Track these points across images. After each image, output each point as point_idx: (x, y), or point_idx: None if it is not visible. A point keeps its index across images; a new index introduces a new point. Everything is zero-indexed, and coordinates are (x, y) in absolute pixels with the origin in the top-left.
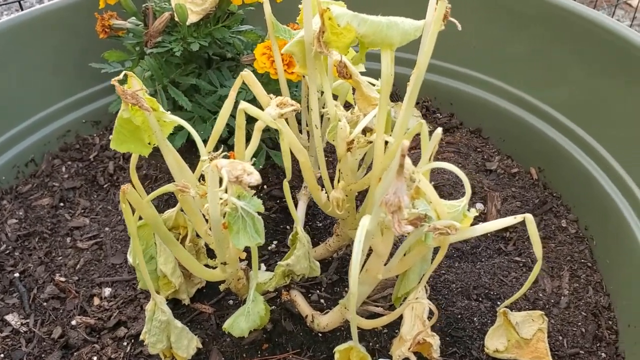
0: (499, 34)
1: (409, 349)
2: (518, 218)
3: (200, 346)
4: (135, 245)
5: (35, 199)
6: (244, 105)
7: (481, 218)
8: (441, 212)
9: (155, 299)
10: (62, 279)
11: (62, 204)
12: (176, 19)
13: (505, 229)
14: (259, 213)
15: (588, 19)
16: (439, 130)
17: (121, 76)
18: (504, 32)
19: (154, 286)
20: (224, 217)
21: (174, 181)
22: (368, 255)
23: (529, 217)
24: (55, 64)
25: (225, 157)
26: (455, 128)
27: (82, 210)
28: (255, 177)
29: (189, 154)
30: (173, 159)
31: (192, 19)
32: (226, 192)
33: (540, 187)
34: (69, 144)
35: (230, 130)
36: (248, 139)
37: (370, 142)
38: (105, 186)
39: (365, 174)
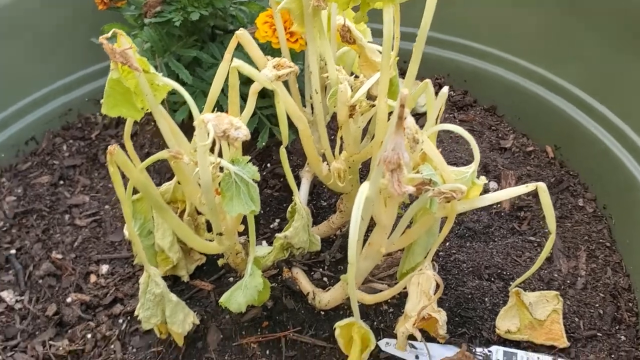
0: (513, 7)
1: (414, 324)
2: (530, 187)
3: (197, 322)
4: (126, 212)
5: (34, 176)
6: (237, 62)
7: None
8: (447, 178)
9: (149, 270)
10: (59, 256)
11: (61, 182)
12: None
13: (520, 208)
14: (254, 182)
15: None
16: (445, 89)
17: (110, 34)
18: (518, 5)
19: (152, 261)
20: (218, 184)
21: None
22: (372, 229)
23: (541, 186)
24: (56, 40)
25: None
26: (469, 106)
27: (82, 188)
28: (243, 132)
29: (192, 130)
30: (166, 126)
31: None
32: (220, 156)
33: (557, 165)
34: (70, 123)
35: None
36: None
37: (373, 105)
38: (106, 164)
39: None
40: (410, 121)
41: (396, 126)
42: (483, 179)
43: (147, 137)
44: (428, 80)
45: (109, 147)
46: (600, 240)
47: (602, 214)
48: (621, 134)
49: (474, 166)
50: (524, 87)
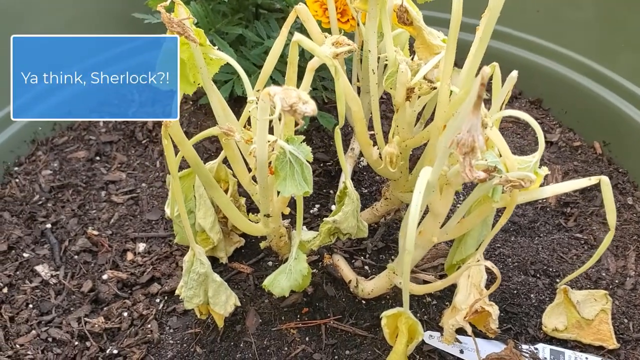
0: None
1: (465, 317)
2: (593, 180)
3: (239, 304)
4: (175, 187)
5: (71, 151)
6: (298, 37)
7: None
8: (511, 166)
9: (195, 248)
10: (95, 232)
11: (98, 158)
12: None
13: (566, 204)
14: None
15: None
16: (514, 73)
17: (167, 2)
18: None
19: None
20: (270, 163)
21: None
22: (423, 216)
23: (604, 180)
24: (98, 14)
25: None
26: (514, 98)
27: (119, 165)
28: (311, 107)
29: (232, 110)
30: (218, 102)
31: None
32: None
33: (605, 162)
34: None
35: (275, 83)
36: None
37: (434, 88)
38: (143, 142)
39: (424, 129)
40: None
41: (474, 106)
42: (545, 170)
43: (185, 116)
44: (495, 63)
45: (164, 120)
46: None
47: None
48: None
49: (538, 155)
50: (571, 80)
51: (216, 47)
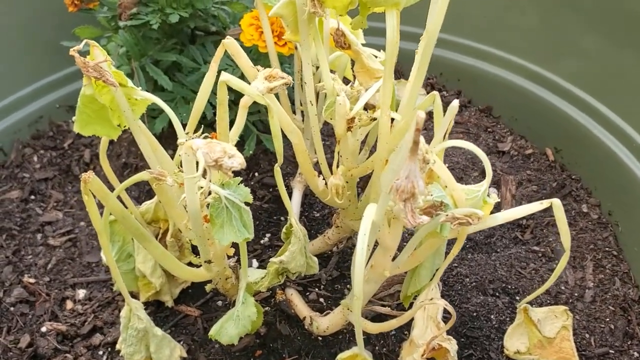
0: (507, 2)
1: (423, 355)
2: (544, 204)
3: (185, 355)
4: (103, 243)
5: (3, 192)
6: (225, 76)
7: (495, 205)
8: (458, 199)
9: (130, 304)
10: (32, 280)
11: (32, 197)
12: None
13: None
14: (247, 204)
15: None
16: (455, 102)
17: (81, 46)
18: (512, 0)
19: (133, 286)
20: (207, 207)
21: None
22: (373, 249)
23: (556, 203)
24: (24, 43)
25: (206, 137)
26: (464, 107)
27: (55, 204)
28: (238, 161)
29: (173, 139)
30: (147, 143)
31: None
32: (206, 179)
33: (558, 169)
34: (41, 131)
35: (216, 111)
36: (234, 120)
37: (374, 119)
38: (80, 177)
39: (368, 157)
40: (421, 141)
41: (410, 151)
42: (495, 197)
43: (124, 146)
44: (435, 93)
45: (83, 175)
46: (607, 249)
47: (607, 221)
48: (624, 135)
49: (485, 184)
50: (520, 87)
51: (146, 77)
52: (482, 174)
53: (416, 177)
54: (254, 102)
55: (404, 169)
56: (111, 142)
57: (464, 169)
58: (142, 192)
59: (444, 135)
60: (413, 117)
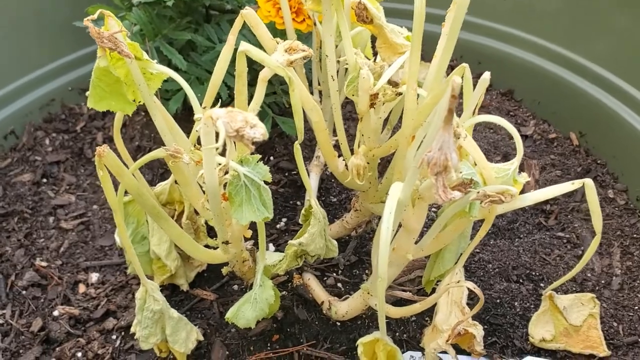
0: None
1: (447, 340)
2: (576, 184)
3: (201, 338)
4: (118, 221)
5: (15, 174)
6: (245, 46)
7: None
8: (488, 177)
9: (146, 285)
10: (44, 263)
11: (44, 180)
12: None
13: (545, 201)
14: (265, 183)
15: None
16: (487, 74)
17: (96, 15)
18: None
19: (147, 270)
20: (224, 187)
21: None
22: (395, 232)
23: (588, 183)
24: (36, 25)
25: None
26: (485, 90)
27: (67, 187)
28: (260, 131)
29: (187, 121)
30: (162, 120)
31: None
32: (225, 155)
33: (582, 153)
34: (53, 114)
35: (231, 92)
36: (251, 97)
37: (400, 93)
38: (93, 159)
39: (390, 137)
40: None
41: (445, 121)
42: (524, 176)
43: (137, 129)
44: (465, 65)
45: (98, 148)
46: (635, 235)
47: (634, 207)
48: None
49: (516, 162)
50: (543, 69)
51: (159, 57)
52: (505, 158)
53: (450, 148)
54: (269, 83)
55: (436, 140)
56: (123, 124)
57: (486, 153)
58: (156, 176)
59: (474, 110)
60: (442, 90)
